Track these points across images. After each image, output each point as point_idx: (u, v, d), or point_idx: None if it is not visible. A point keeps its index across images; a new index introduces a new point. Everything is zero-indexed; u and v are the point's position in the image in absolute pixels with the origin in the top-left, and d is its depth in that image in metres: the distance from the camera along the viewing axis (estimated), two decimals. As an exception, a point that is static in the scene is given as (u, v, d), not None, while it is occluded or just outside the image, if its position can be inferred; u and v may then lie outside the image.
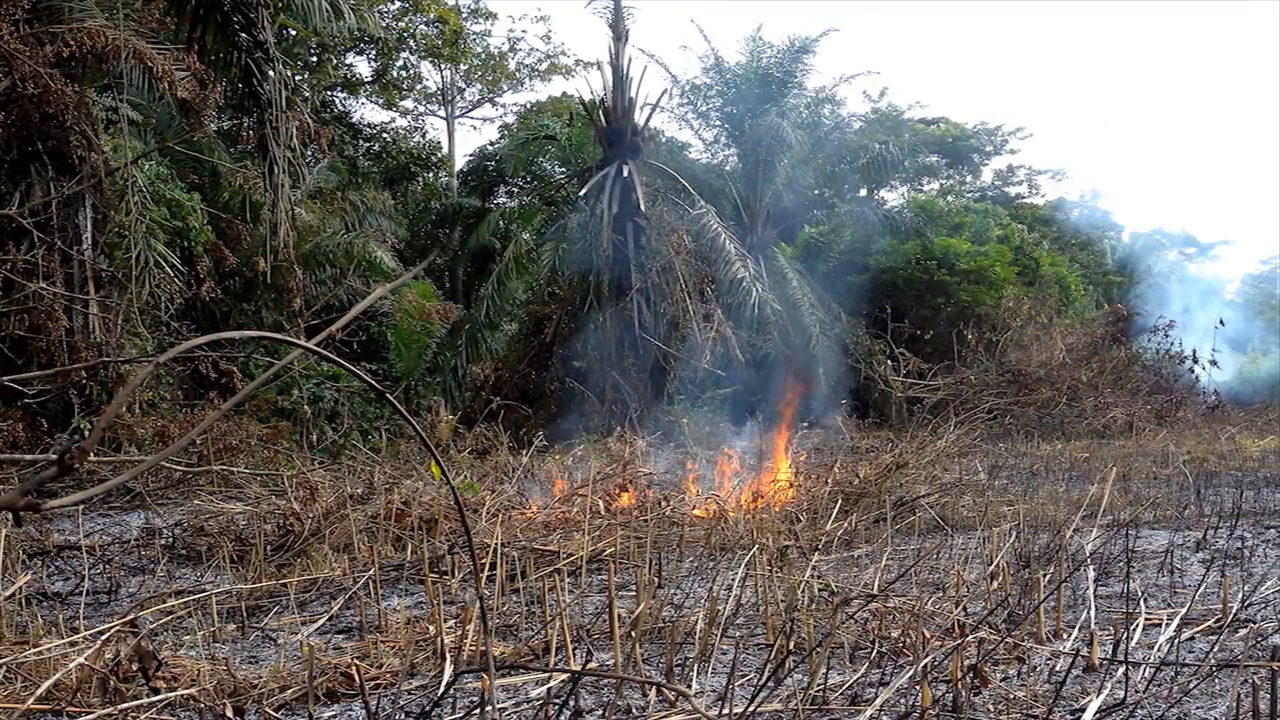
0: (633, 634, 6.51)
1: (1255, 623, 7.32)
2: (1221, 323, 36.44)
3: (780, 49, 41.44)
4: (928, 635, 6.45)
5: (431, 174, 51.17)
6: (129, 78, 21.44)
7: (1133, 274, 57.82)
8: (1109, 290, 55.08)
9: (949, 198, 56.07)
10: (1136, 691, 5.68)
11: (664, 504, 12.94)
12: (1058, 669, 6.24)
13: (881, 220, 41.17)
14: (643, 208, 29.72)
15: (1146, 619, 7.24)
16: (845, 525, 11.51)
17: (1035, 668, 6.35)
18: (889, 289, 38.52)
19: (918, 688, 5.33)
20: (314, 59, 46.93)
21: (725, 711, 5.02)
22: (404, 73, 54.88)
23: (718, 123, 43.88)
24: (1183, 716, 5.49)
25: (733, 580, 7.71)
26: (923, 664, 5.38)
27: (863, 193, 52.24)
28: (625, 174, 30.33)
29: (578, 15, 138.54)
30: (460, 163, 53.98)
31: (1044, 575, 7.86)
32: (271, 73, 19.87)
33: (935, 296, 38.48)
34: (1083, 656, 6.29)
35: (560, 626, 6.47)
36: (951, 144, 64.83)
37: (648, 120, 32.46)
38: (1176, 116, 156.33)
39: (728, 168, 42.73)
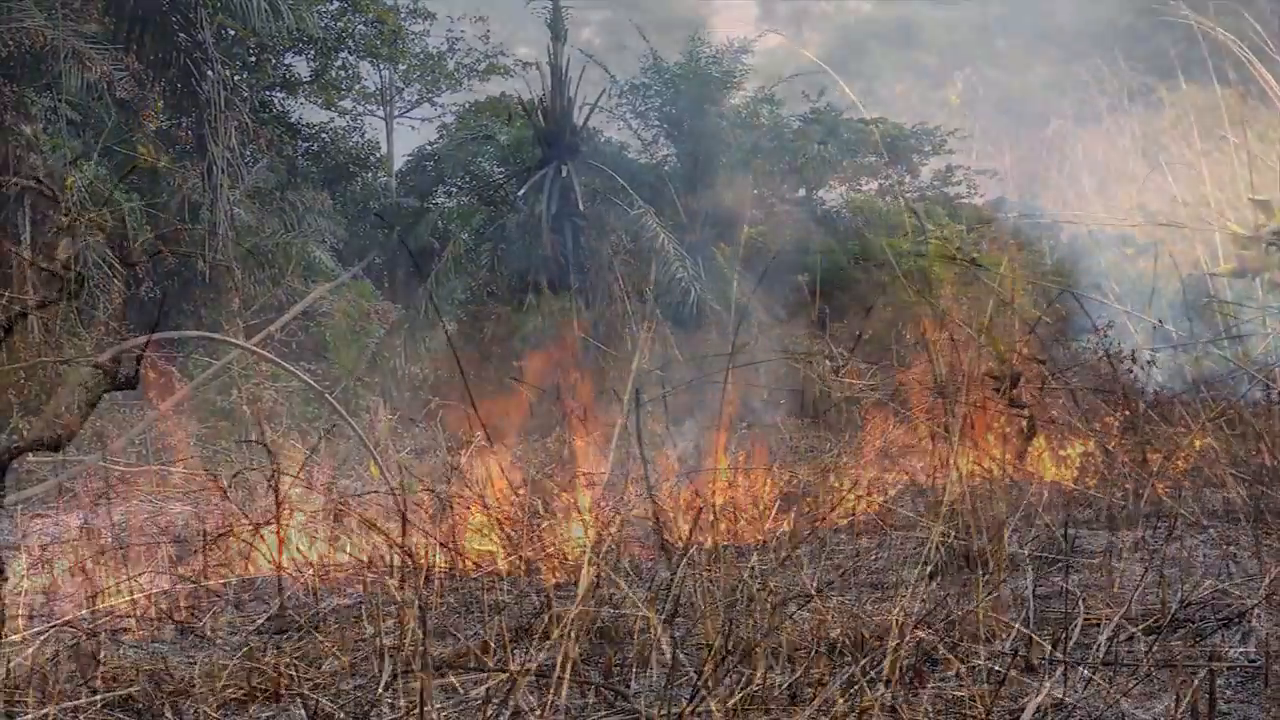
0: (572, 634, 6.51)
1: (1194, 623, 7.36)
2: (1160, 323, 36.69)
3: (719, 49, 41.55)
4: (866, 635, 6.46)
5: (370, 174, 50.91)
6: (68, 77, 21.35)
7: (1072, 273, 58.15)
8: (1048, 290, 55.30)
9: (888, 198, 56.22)
10: (1075, 691, 5.72)
11: (603, 504, 12.93)
12: (996, 669, 6.27)
13: (820, 220, 41.24)
14: (581, 207, 29.74)
15: (1085, 619, 7.27)
16: (785, 525, 11.54)
17: (974, 668, 6.37)
18: (828, 289, 38.56)
19: (856, 688, 5.34)
20: (252, 59, 46.63)
21: (664, 712, 5.02)
22: (343, 73, 54.53)
23: (657, 123, 43.87)
24: (1121, 716, 5.53)
25: (672, 580, 7.72)
26: (861, 664, 5.39)
27: (801, 193, 52.31)
28: (564, 174, 30.37)
29: (517, 15, 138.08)
30: (399, 163, 53.76)
31: (983, 575, 7.89)
32: (210, 73, 19.81)
33: (874, 296, 38.53)
34: (1021, 656, 6.32)
35: (499, 626, 6.46)
36: (890, 144, 64.94)
37: (586, 120, 32.56)
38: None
39: (666, 168, 42.72)
